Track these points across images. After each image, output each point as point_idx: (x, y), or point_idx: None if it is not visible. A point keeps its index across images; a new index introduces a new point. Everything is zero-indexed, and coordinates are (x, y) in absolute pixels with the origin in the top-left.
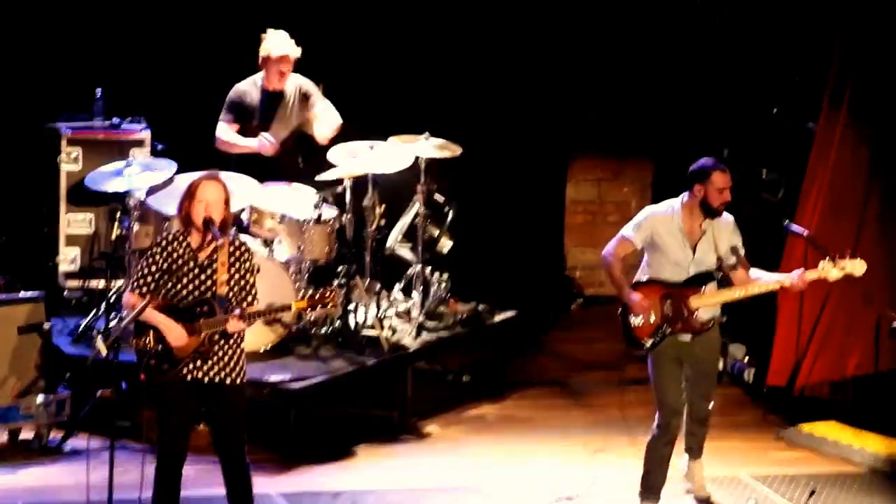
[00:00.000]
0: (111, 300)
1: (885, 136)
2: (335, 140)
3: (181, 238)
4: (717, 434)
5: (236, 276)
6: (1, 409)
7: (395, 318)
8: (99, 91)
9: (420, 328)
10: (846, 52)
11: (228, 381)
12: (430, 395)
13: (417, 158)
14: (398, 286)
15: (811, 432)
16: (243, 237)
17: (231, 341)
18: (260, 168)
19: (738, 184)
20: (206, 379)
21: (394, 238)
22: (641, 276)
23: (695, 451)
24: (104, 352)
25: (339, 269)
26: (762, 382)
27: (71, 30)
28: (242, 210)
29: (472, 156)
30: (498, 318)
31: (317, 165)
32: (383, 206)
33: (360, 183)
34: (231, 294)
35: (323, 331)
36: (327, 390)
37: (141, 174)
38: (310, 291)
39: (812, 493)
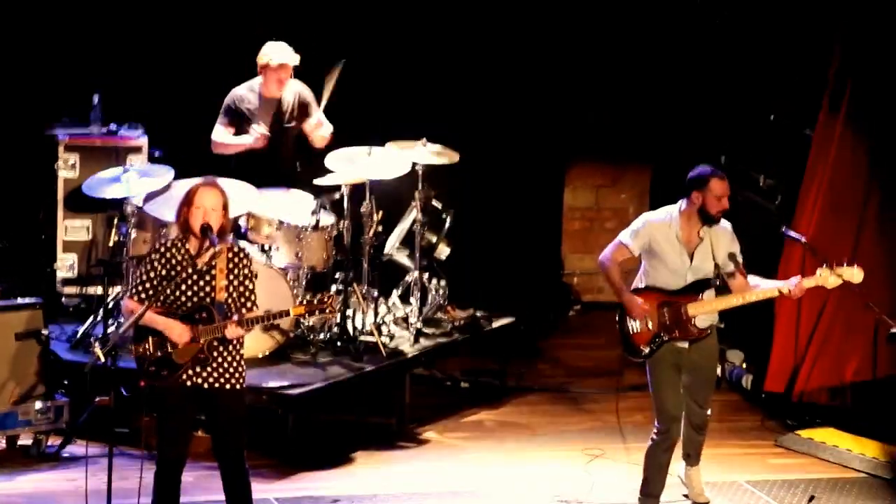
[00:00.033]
0: (109, 307)
1: (884, 136)
2: (326, 148)
3: (179, 244)
4: (715, 440)
5: (235, 282)
6: None
7: (392, 325)
8: (96, 97)
9: (418, 334)
10: (846, 53)
11: (228, 386)
12: (428, 401)
13: (415, 165)
14: (396, 293)
15: (809, 438)
16: (242, 244)
17: (231, 347)
18: (258, 174)
19: (735, 190)
20: (206, 385)
21: (391, 244)
22: (639, 283)
23: (692, 458)
24: (102, 358)
25: (337, 275)
26: (760, 388)
27: (68, 36)
28: (240, 216)
29: (469, 162)
30: (496, 324)
31: (314, 171)
32: (381, 212)
33: (357, 189)
34: (230, 300)
35: (321, 337)
36: (325, 396)
37: (138, 180)
38: (307, 297)
39: (811, 498)
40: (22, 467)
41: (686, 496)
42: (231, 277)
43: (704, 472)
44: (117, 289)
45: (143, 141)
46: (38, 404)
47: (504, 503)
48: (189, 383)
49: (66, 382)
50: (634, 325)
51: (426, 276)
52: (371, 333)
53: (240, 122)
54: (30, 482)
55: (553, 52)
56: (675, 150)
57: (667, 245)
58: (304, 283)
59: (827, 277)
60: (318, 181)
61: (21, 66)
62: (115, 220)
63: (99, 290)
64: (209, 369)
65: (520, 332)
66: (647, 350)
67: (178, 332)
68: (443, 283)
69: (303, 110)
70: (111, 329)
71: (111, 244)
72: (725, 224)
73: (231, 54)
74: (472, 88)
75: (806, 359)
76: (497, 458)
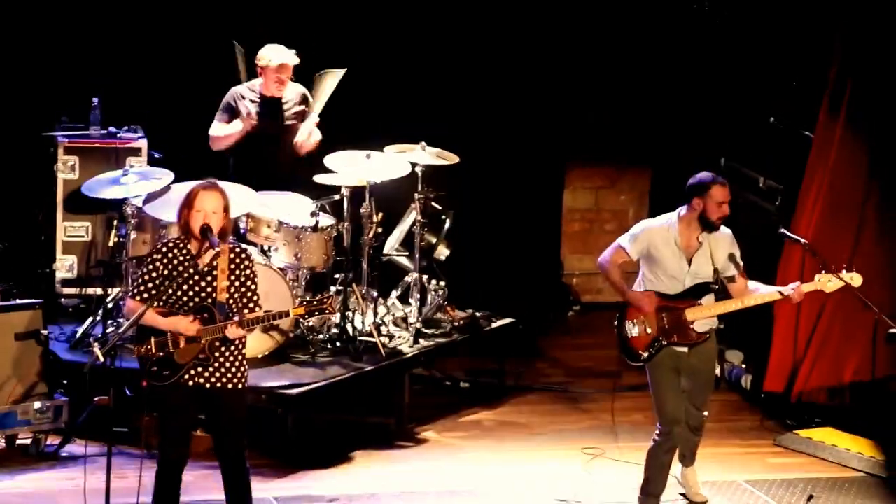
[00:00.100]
0: (108, 307)
1: (884, 137)
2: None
3: (181, 244)
4: (714, 440)
5: (236, 282)
6: None
7: (392, 325)
8: (96, 100)
9: (417, 335)
10: (846, 54)
11: (230, 386)
12: (427, 401)
13: (414, 166)
14: (395, 293)
15: (808, 438)
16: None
17: (232, 347)
18: (258, 173)
19: (735, 192)
20: (208, 385)
21: (391, 245)
22: (638, 288)
23: (687, 459)
24: (101, 358)
25: (337, 276)
26: (759, 388)
27: (68, 38)
28: (240, 218)
29: (469, 164)
30: (495, 324)
31: (313, 170)
32: (380, 214)
33: (357, 191)
34: (231, 301)
35: (320, 337)
36: (325, 396)
37: (137, 182)
38: (307, 298)
39: (810, 497)
40: (21, 466)
41: (683, 495)
42: (232, 278)
43: (703, 472)
44: (116, 290)
45: (143, 143)
46: (38, 404)
47: (503, 503)
48: (191, 383)
49: (65, 382)
50: (633, 330)
51: (426, 276)
52: (370, 334)
53: (237, 118)
54: (29, 481)
55: (552, 53)
56: (675, 152)
57: (665, 250)
58: (303, 283)
59: (826, 282)
60: (317, 178)
61: (21, 69)
62: (115, 222)
63: (98, 290)
64: (211, 369)
65: (519, 332)
66: (645, 354)
67: (184, 324)
68: (442, 283)
69: (301, 111)
70: (110, 329)
71: (110, 245)
72: (725, 230)
73: (231, 57)
74: (471, 90)
75: (805, 359)
76: (496, 458)
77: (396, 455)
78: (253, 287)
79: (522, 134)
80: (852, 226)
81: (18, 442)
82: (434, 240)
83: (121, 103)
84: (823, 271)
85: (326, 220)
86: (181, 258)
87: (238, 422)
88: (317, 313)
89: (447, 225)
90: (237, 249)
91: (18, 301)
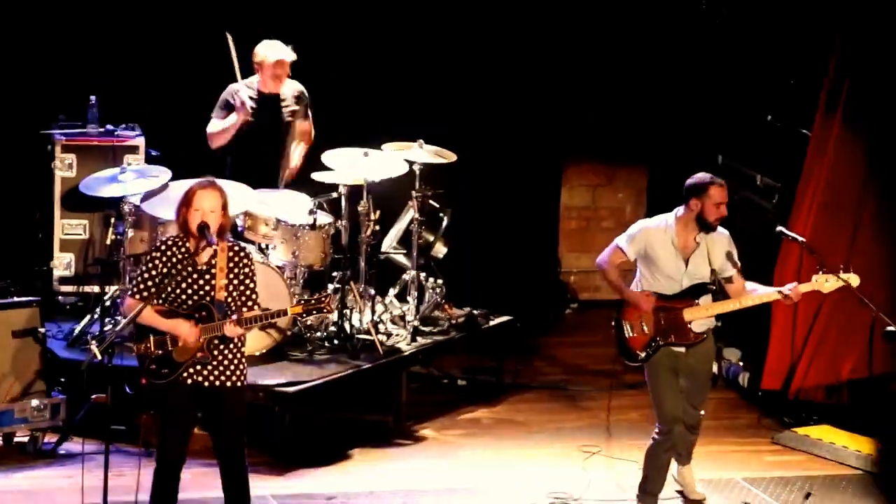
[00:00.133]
0: (105, 305)
1: (881, 135)
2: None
3: (180, 242)
4: (712, 437)
5: (235, 281)
6: None
7: (389, 323)
8: (93, 98)
9: (415, 333)
10: (843, 52)
11: (229, 384)
12: (425, 398)
13: (412, 164)
14: (393, 291)
15: (806, 436)
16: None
17: (232, 345)
18: (255, 174)
19: (732, 190)
20: (207, 383)
21: (388, 243)
22: (635, 288)
23: (683, 457)
24: (98, 356)
25: (334, 274)
26: (757, 386)
27: (65, 36)
28: (237, 216)
29: (466, 162)
30: (493, 322)
31: (311, 166)
32: (378, 212)
33: (355, 189)
34: (230, 299)
35: (318, 335)
36: (322, 394)
37: (135, 180)
38: (305, 297)
39: (808, 495)
40: (18, 464)
41: (680, 493)
42: (231, 276)
43: (701, 470)
44: (114, 288)
45: (140, 141)
46: (35, 402)
47: (500, 500)
48: (190, 381)
49: (62, 380)
50: (630, 330)
51: (423, 274)
52: (368, 332)
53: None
54: (26, 479)
55: (549, 51)
56: (672, 150)
57: (662, 250)
58: (301, 281)
59: (823, 282)
60: (315, 176)
61: (18, 66)
62: (112, 220)
63: (96, 288)
64: (210, 367)
65: (517, 330)
66: (643, 355)
67: (185, 330)
68: (440, 281)
69: (299, 111)
70: (108, 327)
71: (108, 243)
72: (723, 230)
73: (226, 51)
74: (469, 89)
75: (802, 357)
76: (494, 456)
77: (394, 453)
78: (252, 285)
79: (519, 132)
80: (849, 223)
81: (16, 440)
82: (432, 238)
83: (118, 101)
84: (821, 271)
85: (324, 217)
86: (180, 256)
87: (238, 420)
88: (314, 312)
89: (445, 223)
90: (236, 248)
91: (16, 299)
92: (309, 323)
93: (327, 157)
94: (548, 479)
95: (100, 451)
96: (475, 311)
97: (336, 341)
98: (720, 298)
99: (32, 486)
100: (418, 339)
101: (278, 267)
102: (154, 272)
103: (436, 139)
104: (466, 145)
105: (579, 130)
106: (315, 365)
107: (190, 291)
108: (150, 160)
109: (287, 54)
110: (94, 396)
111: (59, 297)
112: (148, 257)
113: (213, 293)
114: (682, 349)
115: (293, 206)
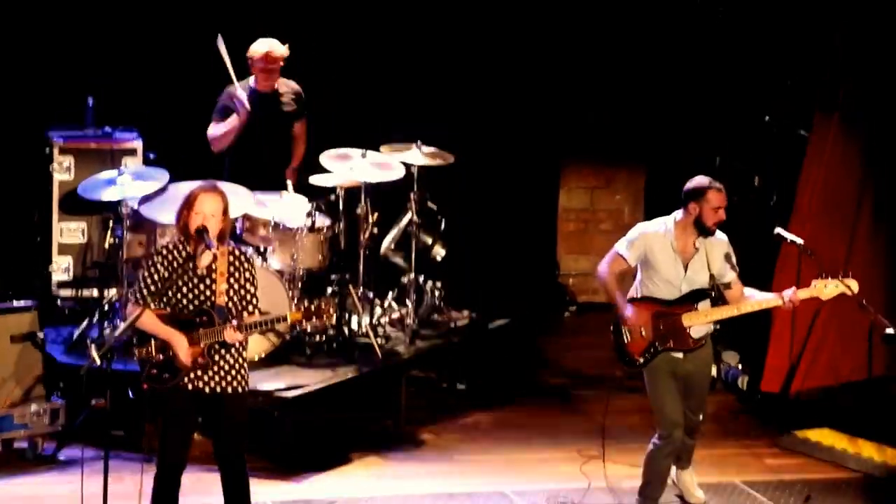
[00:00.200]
0: (104, 309)
1: (879, 136)
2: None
3: (181, 246)
4: (711, 441)
5: (235, 285)
6: None
7: (388, 326)
8: (91, 100)
9: (414, 336)
10: (841, 54)
11: (230, 389)
12: (424, 402)
13: (410, 166)
14: (391, 294)
15: (805, 438)
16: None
17: (233, 350)
18: (253, 177)
19: (730, 191)
20: (208, 389)
21: (387, 246)
22: (635, 293)
23: (683, 461)
24: (98, 361)
25: (333, 277)
26: (756, 389)
27: (63, 39)
28: (236, 218)
29: (464, 164)
30: (492, 325)
31: (308, 173)
32: (376, 214)
33: (353, 191)
34: (231, 304)
35: (317, 339)
36: (322, 398)
37: (133, 183)
38: (305, 303)
39: (807, 498)
40: (18, 470)
41: (680, 497)
42: (231, 281)
43: (700, 474)
44: (112, 291)
45: (138, 144)
46: (34, 407)
47: None
48: (191, 387)
49: (61, 385)
50: (629, 335)
51: (422, 277)
52: (367, 335)
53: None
54: (26, 485)
55: (547, 53)
56: (670, 151)
57: (662, 255)
58: (299, 284)
59: (822, 288)
60: (312, 178)
61: (16, 69)
62: (111, 223)
63: (94, 292)
64: (211, 373)
65: (515, 332)
66: (641, 360)
67: (182, 347)
68: (438, 284)
69: (297, 111)
70: (107, 331)
71: (106, 246)
72: (721, 235)
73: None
74: (466, 90)
75: (801, 359)
76: (493, 460)
77: (394, 457)
78: (252, 290)
79: (517, 134)
80: (847, 224)
81: (15, 445)
82: (430, 240)
83: (116, 104)
84: (820, 276)
85: (322, 220)
86: (181, 260)
87: (239, 426)
88: (314, 318)
89: (443, 225)
90: (236, 252)
91: (14, 303)
92: (308, 328)
93: (324, 159)
94: (547, 483)
95: (99, 456)
96: (474, 314)
97: (335, 345)
98: (719, 305)
99: (32, 492)
100: (417, 342)
101: (276, 270)
102: (156, 277)
103: (433, 141)
104: (465, 147)
105: (577, 132)
106: (314, 369)
107: (191, 296)
108: (147, 162)
109: (276, 47)
110: (93, 402)
111: (58, 302)
112: (149, 262)
113: (213, 298)
114: (681, 355)
115: (291, 208)
